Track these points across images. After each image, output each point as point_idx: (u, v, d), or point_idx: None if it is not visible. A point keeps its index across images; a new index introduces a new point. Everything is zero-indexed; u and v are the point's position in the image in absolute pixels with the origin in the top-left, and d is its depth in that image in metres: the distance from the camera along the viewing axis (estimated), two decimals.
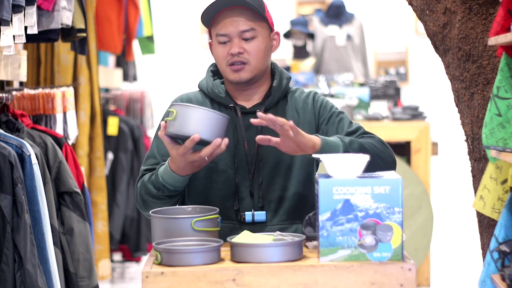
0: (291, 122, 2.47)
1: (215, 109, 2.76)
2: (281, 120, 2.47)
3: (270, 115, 2.48)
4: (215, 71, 2.86)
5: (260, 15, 2.73)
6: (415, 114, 5.89)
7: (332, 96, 6.01)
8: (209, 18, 2.73)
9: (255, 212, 2.70)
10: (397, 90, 6.84)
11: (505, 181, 2.80)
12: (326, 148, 2.56)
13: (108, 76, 5.70)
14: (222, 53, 2.72)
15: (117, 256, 6.28)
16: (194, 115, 2.49)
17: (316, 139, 2.56)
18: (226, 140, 2.53)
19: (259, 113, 2.50)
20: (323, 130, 2.77)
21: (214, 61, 2.88)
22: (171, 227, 2.45)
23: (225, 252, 2.42)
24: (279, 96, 2.79)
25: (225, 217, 2.69)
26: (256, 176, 2.72)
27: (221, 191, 2.72)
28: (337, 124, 2.76)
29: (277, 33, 2.81)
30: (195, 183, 2.76)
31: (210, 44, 2.81)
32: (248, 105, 2.78)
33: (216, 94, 2.78)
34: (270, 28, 2.78)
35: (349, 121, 2.78)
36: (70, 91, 4.00)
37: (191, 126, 2.49)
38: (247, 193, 2.72)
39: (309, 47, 7.88)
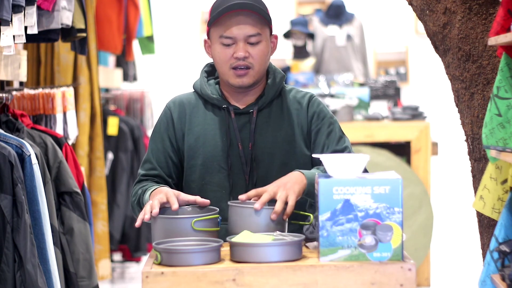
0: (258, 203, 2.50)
1: (208, 110, 2.77)
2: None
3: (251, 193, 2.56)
4: (209, 72, 2.85)
5: (265, 19, 2.71)
6: (415, 114, 5.89)
7: (332, 96, 6.01)
8: (214, 18, 2.69)
9: None
10: (397, 90, 6.84)
11: (505, 181, 2.80)
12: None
13: (108, 76, 5.70)
14: (225, 55, 2.70)
15: (117, 256, 6.28)
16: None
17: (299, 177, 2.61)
18: (175, 207, 2.50)
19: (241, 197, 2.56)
20: (313, 139, 2.77)
21: (208, 62, 2.87)
22: (171, 227, 2.45)
23: (225, 252, 2.41)
24: (272, 96, 2.78)
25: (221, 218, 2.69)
26: (251, 177, 2.71)
27: (216, 192, 2.72)
28: (325, 136, 2.76)
29: (275, 37, 2.79)
30: (190, 185, 2.76)
31: (206, 42, 2.79)
32: (241, 105, 2.78)
33: (209, 95, 2.77)
34: (270, 31, 2.78)
35: (339, 136, 2.77)
36: (70, 91, 3.99)
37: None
38: (243, 194, 2.71)
39: (309, 47, 7.88)
